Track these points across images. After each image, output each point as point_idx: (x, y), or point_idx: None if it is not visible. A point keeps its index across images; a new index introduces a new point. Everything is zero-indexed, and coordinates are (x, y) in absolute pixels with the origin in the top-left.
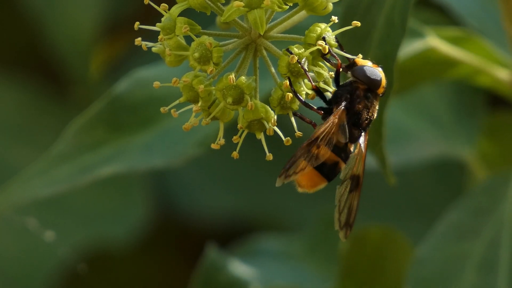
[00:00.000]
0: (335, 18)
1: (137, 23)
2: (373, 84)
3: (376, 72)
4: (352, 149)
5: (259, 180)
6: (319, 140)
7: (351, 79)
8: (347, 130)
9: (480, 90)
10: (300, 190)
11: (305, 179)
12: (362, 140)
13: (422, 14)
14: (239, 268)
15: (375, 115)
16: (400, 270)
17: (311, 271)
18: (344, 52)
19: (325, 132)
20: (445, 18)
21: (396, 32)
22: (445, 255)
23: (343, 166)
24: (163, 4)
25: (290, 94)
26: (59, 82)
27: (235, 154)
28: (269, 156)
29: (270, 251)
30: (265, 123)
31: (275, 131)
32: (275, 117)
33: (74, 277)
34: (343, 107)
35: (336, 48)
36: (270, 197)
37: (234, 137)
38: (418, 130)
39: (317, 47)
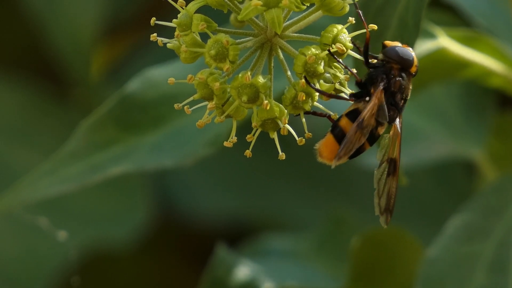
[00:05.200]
0: (352, 19)
1: (153, 18)
2: (407, 63)
3: (408, 51)
4: (381, 131)
5: (261, 182)
6: (364, 121)
7: (382, 60)
8: (386, 111)
9: (490, 91)
10: (319, 159)
11: (327, 151)
12: (398, 121)
13: (433, 14)
14: (249, 267)
15: (409, 94)
16: (410, 270)
17: (321, 271)
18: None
19: (369, 113)
20: (456, 18)
21: (410, 33)
22: (456, 256)
23: (368, 147)
24: (180, 0)
25: (303, 94)
26: (60, 83)
27: (248, 153)
28: (282, 156)
29: (278, 251)
30: (279, 122)
31: (289, 131)
32: (288, 116)
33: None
34: (381, 88)
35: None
36: (271, 198)
37: (248, 136)
38: (428, 130)
39: (334, 49)
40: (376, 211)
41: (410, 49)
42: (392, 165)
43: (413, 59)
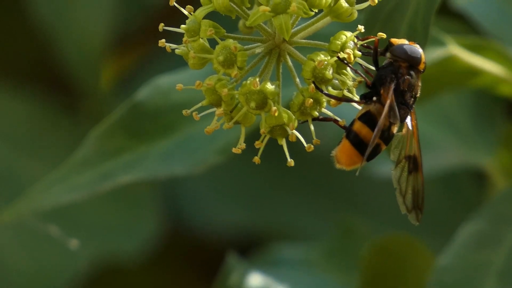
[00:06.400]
0: (361, 28)
1: (162, 24)
2: (415, 61)
3: (415, 49)
4: (395, 130)
5: (269, 193)
6: (381, 125)
7: (390, 59)
8: (397, 111)
9: (500, 99)
10: (338, 166)
11: (344, 157)
12: (408, 119)
13: (442, 22)
14: (260, 277)
15: (419, 92)
16: (421, 278)
17: (331, 280)
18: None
19: (385, 116)
20: (466, 26)
21: (419, 39)
22: (466, 263)
23: (384, 147)
24: (188, 6)
25: (311, 100)
26: (69, 95)
27: (256, 159)
28: (291, 162)
29: (289, 260)
30: (288, 129)
31: (297, 138)
32: (296, 122)
33: None
34: (393, 88)
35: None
36: (280, 210)
37: (257, 142)
38: (438, 138)
39: (344, 55)
40: (402, 209)
41: (417, 46)
42: (412, 162)
43: (421, 56)
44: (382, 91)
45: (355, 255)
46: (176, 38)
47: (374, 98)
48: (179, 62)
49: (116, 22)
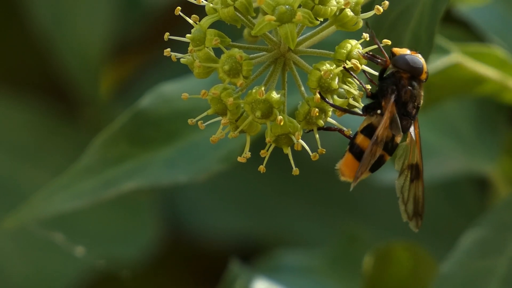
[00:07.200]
0: (366, 36)
1: (167, 34)
2: (416, 71)
3: (417, 59)
4: (399, 140)
5: (271, 200)
6: (379, 138)
7: (392, 70)
8: (399, 123)
9: (503, 107)
10: (342, 179)
11: (348, 170)
12: (412, 129)
13: (446, 30)
14: (263, 283)
15: (421, 101)
16: (423, 285)
17: (334, 286)
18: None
19: (383, 129)
20: (469, 34)
21: (423, 48)
22: (469, 271)
23: (387, 158)
24: (193, 15)
25: (317, 110)
26: (68, 103)
27: (261, 168)
28: (296, 171)
29: (292, 267)
30: (293, 137)
31: (303, 147)
32: (301, 131)
33: None
34: (393, 100)
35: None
36: (282, 217)
37: (262, 151)
38: (441, 146)
39: (350, 64)
40: (404, 217)
41: (419, 55)
42: (414, 170)
43: (422, 66)
44: (383, 103)
45: (358, 262)
46: (177, 46)
47: (378, 111)
48: (178, 70)
49: (115, 30)
